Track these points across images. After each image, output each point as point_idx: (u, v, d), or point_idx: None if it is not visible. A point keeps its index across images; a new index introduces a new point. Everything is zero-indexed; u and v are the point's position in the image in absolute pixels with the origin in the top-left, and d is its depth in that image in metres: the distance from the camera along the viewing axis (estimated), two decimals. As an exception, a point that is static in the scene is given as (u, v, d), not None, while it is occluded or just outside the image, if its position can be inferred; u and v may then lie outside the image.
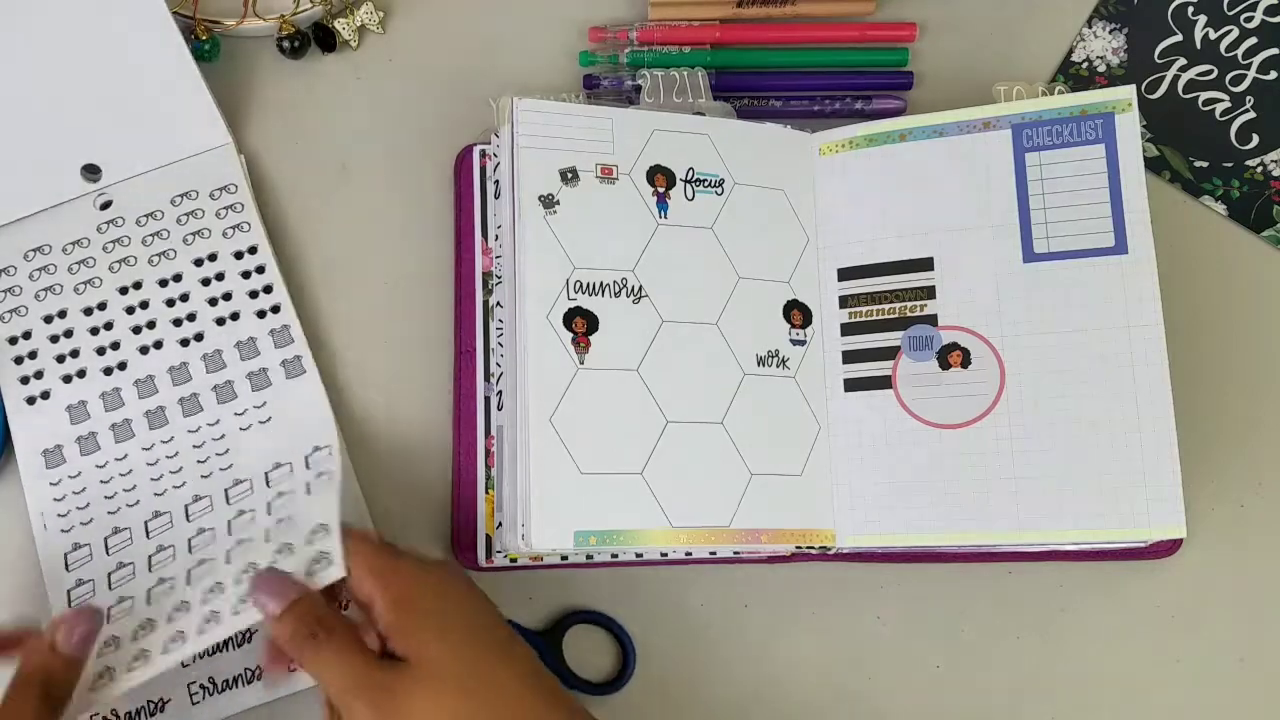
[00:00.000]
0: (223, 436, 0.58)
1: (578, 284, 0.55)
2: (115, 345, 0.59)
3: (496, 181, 0.59)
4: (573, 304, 0.55)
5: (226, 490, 0.57)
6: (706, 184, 0.58)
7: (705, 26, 0.64)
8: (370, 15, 0.64)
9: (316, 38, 0.63)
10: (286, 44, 0.63)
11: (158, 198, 0.60)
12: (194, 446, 0.58)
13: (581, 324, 0.55)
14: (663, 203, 0.57)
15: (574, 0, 0.65)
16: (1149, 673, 0.59)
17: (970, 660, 0.59)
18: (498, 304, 0.58)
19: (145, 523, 0.57)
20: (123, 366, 0.58)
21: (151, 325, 0.59)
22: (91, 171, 0.60)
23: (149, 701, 0.55)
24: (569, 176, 0.56)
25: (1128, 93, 0.58)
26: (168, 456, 0.57)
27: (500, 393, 0.57)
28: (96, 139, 0.60)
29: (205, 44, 0.62)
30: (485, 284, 0.59)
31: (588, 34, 0.64)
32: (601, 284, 0.56)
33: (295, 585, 0.48)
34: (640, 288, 0.56)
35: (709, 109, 0.60)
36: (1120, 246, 0.57)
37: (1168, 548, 0.59)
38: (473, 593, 0.49)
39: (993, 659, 0.59)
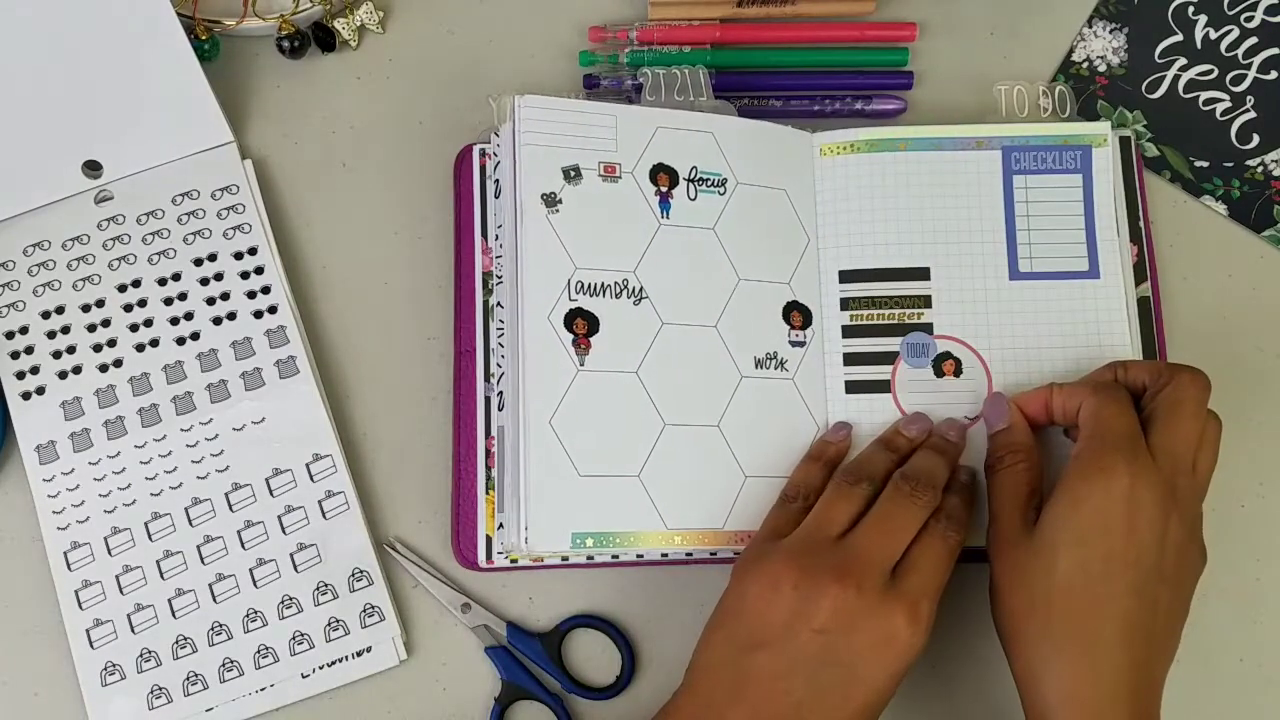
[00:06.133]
0: (216, 436, 0.58)
1: (579, 284, 0.55)
2: (111, 343, 0.59)
3: (496, 181, 0.59)
4: (574, 305, 0.55)
5: (226, 495, 0.57)
6: (709, 183, 0.58)
7: (705, 26, 0.64)
8: (370, 15, 0.63)
9: (316, 37, 0.63)
10: (286, 44, 0.63)
11: (158, 196, 0.60)
12: (187, 446, 0.57)
13: (582, 325, 0.55)
14: (665, 202, 0.57)
15: (574, 0, 0.65)
16: (1150, 673, 0.59)
17: (970, 660, 0.59)
18: (498, 304, 0.58)
19: (145, 524, 0.57)
20: (118, 364, 0.58)
21: (148, 324, 0.59)
22: (92, 168, 0.60)
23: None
24: (571, 174, 0.56)
25: (1103, 129, 0.60)
26: (160, 455, 0.57)
27: (500, 393, 0.57)
28: (98, 135, 0.60)
29: (205, 44, 0.62)
30: (485, 284, 0.59)
31: (588, 34, 0.64)
32: (603, 285, 0.56)
33: (1011, 414, 0.55)
34: (641, 289, 0.56)
35: (709, 108, 0.60)
36: (1093, 272, 0.59)
37: (1168, 548, 0.59)
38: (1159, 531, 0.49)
39: (993, 659, 0.59)
